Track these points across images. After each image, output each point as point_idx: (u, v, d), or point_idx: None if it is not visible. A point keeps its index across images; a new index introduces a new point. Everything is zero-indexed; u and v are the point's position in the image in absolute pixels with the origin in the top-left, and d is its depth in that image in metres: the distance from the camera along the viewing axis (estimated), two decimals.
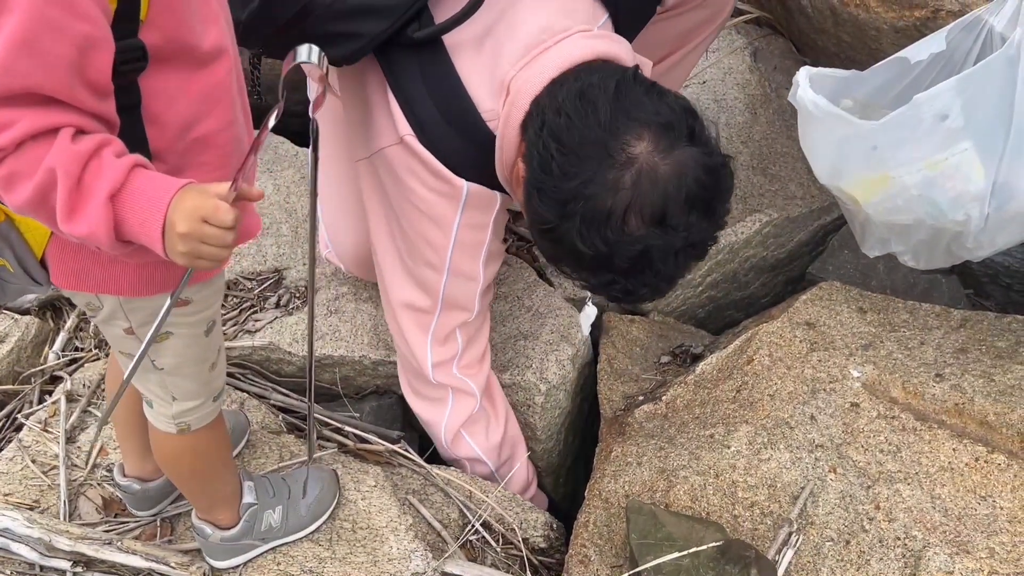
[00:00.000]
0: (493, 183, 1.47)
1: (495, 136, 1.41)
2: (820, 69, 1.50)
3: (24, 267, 1.06)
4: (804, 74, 1.47)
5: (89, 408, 1.78)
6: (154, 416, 1.30)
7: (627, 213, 1.26)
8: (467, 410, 1.67)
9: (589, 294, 1.98)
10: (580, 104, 1.28)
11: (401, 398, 1.91)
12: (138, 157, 0.91)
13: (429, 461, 1.74)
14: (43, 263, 1.07)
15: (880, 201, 1.53)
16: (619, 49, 1.40)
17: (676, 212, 1.25)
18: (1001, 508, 1.50)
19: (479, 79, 1.40)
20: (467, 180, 1.44)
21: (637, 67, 1.35)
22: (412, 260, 1.55)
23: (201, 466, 1.38)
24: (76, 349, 1.97)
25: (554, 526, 1.69)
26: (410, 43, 1.39)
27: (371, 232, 1.62)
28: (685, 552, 1.35)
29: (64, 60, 0.84)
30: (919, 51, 1.46)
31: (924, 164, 1.44)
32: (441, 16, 1.39)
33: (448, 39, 1.40)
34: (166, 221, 0.89)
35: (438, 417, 1.68)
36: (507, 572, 1.56)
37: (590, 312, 1.90)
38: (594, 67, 1.34)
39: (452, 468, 1.74)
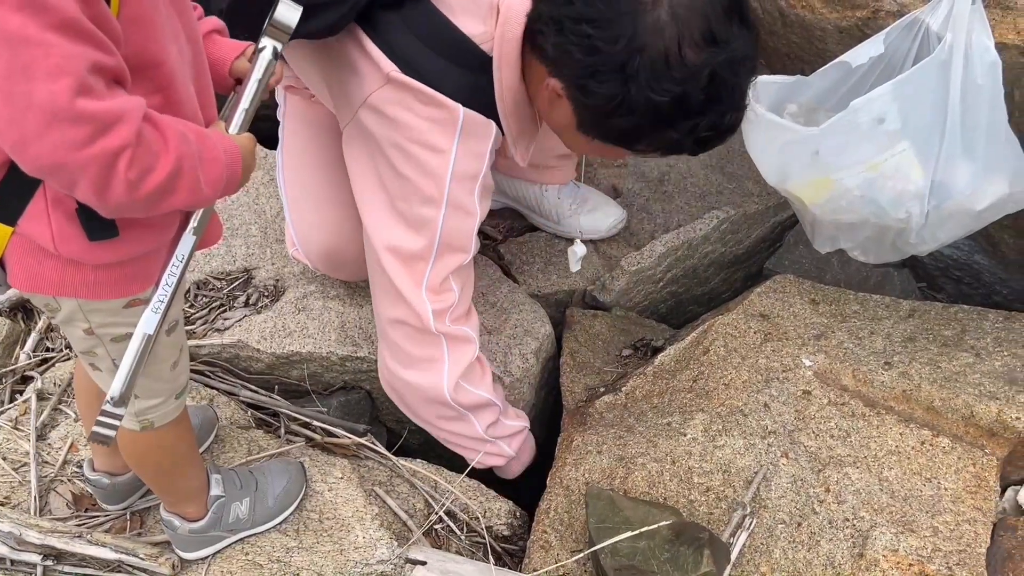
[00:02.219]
0: (488, 108, 1.48)
1: (488, 56, 1.42)
2: (764, 77, 1.56)
3: None
4: None
5: (59, 407, 1.80)
6: None
7: (681, 46, 1.28)
8: (466, 358, 1.62)
9: (580, 232, 1.98)
10: None
11: (368, 393, 1.96)
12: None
13: (396, 454, 1.78)
14: (1, 264, 1.07)
15: (825, 202, 1.59)
16: None
17: (720, 27, 1.29)
18: (945, 489, 1.56)
19: (465, 15, 1.41)
20: (462, 104, 1.45)
21: None
22: (407, 202, 1.52)
23: (167, 462, 1.41)
24: (47, 349, 1.99)
25: (517, 514, 1.73)
26: (391, 3, 1.40)
27: (358, 196, 1.58)
28: (639, 531, 1.40)
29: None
30: (859, 55, 1.52)
31: (864, 166, 1.50)
32: None
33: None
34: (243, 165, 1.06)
35: (435, 377, 1.61)
36: (471, 559, 1.60)
37: (579, 249, 1.90)
38: None
39: (418, 460, 1.77)
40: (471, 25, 1.42)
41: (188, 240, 1.11)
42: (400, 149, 1.48)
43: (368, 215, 1.58)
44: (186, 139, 0.96)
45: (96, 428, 1.12)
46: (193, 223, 1.11)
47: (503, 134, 1.52)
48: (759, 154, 1.59)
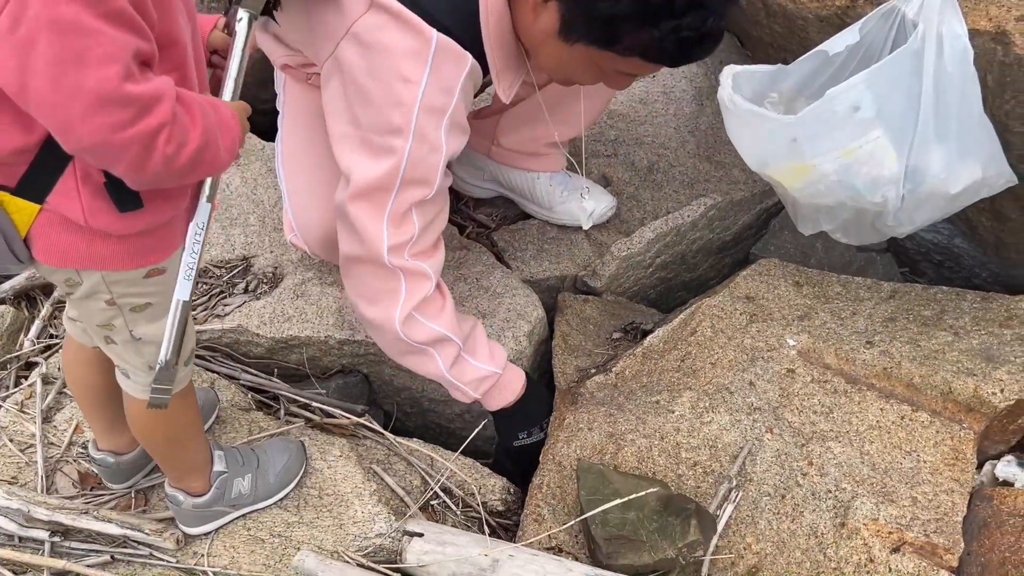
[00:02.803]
0: (464, 38, 1.49)
1: None
2: (745, 67, 1.61)
3: (10, 246, 1.11)
4: (727, 73, 1.59)
5: (64, 390, 1.85)
6: (131, 386, 1.37)
7: None
8: (421, 293, 1.61)
9: (586, 188, 2.02)
10: None
11: (366, 376, 2.00)
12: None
13: (393, 433, 1.83)
14: (26, 242, 1.12)
15: (804, 187, 1.65)
16: None
17: None
18: (924, 462, 1.61)
19: None
20: (438, 31, 1.46)
21: None
22: (376, 132, 1.53)
23: (174, 433, 1.46)
24: (50, 336, 2.03)
25: (511, 490, 1.78)
26: None
27: (333, 139, 1.60)
28: (627, 499, 1.45)
29: None
30: (836, 44, 1.58)
31: (840, 152, 1.56)
32: None
33: None
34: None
35: (390, 310, 1.61)
36: (466, 531, 1.65)
37: (588, 206, 1.93)
38: None
39: (415, 439, 1.82)
40: None
41: (205, 208, 1.17)
42: (373, 77, 1.50)
43: (340, 153, 1.60)
44: (206, 112, 1.03)
45: (153, 395, 1.21)
46: (206, 191, 1.17)
47: (486, 72, 1.53)
48: (740, 141, 1.64)
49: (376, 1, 1.46)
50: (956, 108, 1.52)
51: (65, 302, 2.07)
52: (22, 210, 1.08)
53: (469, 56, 1.50)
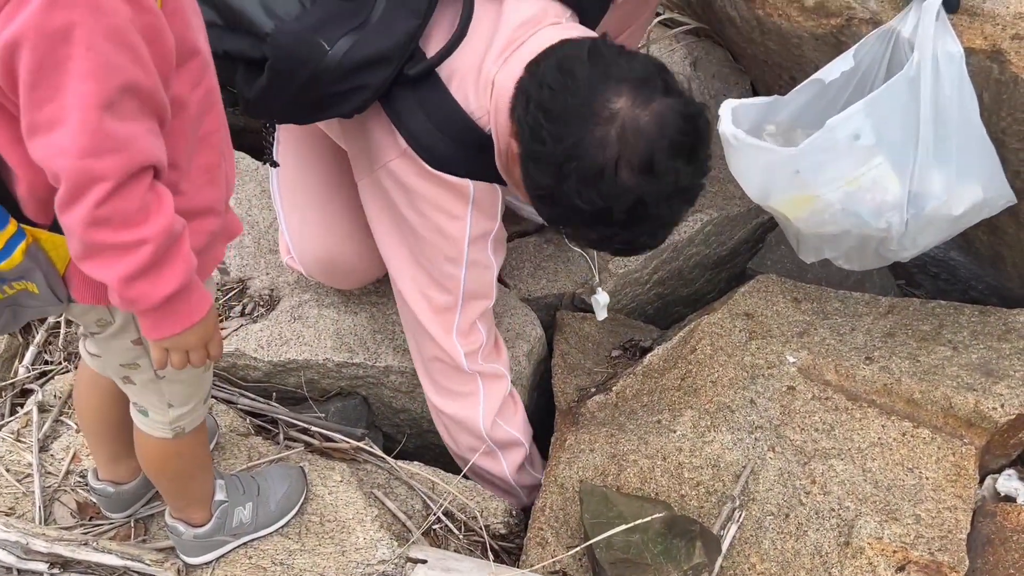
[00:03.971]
0: (492, 176, 1.56)
1: (488, 134, 1.50)
2: (742, 100, 1.62)
3: (51, 286, 1.10)
4: (726, 107, 1.59)
5: (61, 418, 1.83)
6: (149, 424, 1.35)
7: (618, 166, 1.34)
8: (500, 394, 1.72)
9: (598, 281, 2.06)
10: (560, 74, 1.38)
11: (364, 398, 1.99)
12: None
13: (393, 457, 1.82)
14: (63, 280, 1.11)
15: (808, 217, 1.65)
16: (587, 34, 1.52)
17: (662, 159, 1.34)
18: (927, 478, 1.61)
19: (469, 89, 1.49)
20: (471, 179, 1.54)
21: (605, 34, 1.45)
22: (429, 259, 1.61)
23: (186, 467, 1.44)
24: (45, 362, 2.02)
25: (513, 513, 1.77)
26: (406, 80, 1.48)
27: (379, 242, 1.69)
28: (632, 524, 1.45)
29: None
30: (832, 71, 1.59)
31: (844, 181, 1.57)
32: (433, 51, 1.49)
33: (442, 70, 1.50)
34: (190, 328, 1.08)
35: (472, 411, 1.71)
36: (469, 556, 1.64)
37: (601, 298, 1.96)
38: (567, 43, 1.44)
39: (415, 462, 1.81)
40: (474, 100, 1.49)
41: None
42: (418, 212, 1.58)
43: (392, 261, 1.68)
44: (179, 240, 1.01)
45: None
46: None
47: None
48: (742, 175, 1.65)
49: (408, 153, 1.52)
50: (956, 130, 1.53)
51: (59, 329, 2.07)
52: (59, 246, 1.07)
53: (498, 187, 1.59)
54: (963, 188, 1.57)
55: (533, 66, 1.43)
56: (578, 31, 1.52)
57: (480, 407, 1.70)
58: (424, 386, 1.78)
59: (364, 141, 1.60)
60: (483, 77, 1.48)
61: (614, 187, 1.36)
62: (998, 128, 1.62)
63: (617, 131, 1.34)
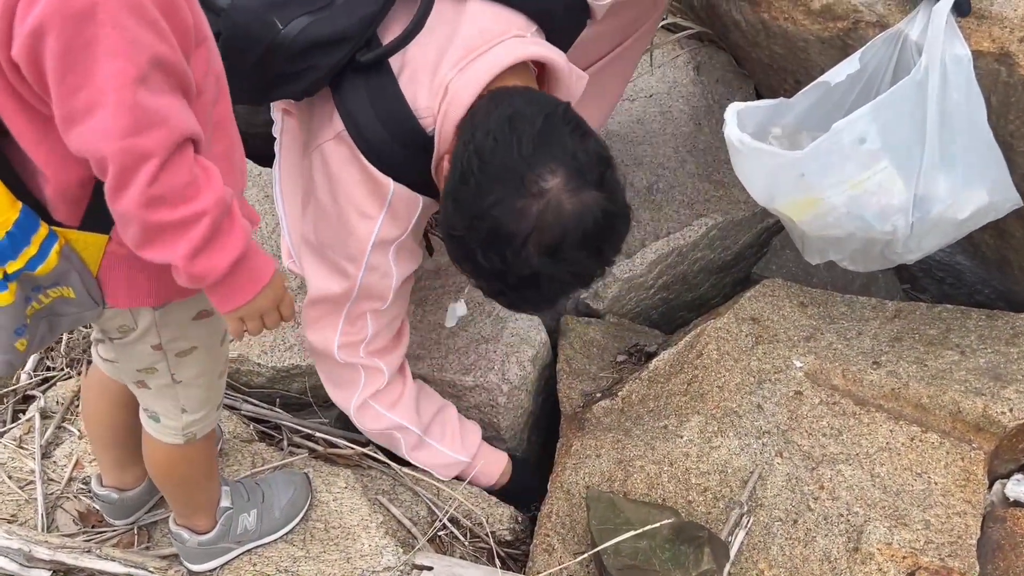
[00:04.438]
0: (419, 185, 1.55)
1: (429, 135, 1.49)
2: (748, 104, 1.61)
3: (87, 288, 1.09)
4: (731, 111, 1.59)
5: (63, 424, 1.82)
6: (160, 430, 1.35)
7: (527, 240, 1.34)
8: (374, 386, 1.70)
9: (465, 293, 2.06)
10: (508, 130, 1.36)
11: None
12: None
13: (398, 463, 1.81)
14: (97, 283, 1.10)
15: (813, 219, 1.65)
16: (553, 54, 1.50)
17: (569, 247, 1.35)
18: (935, 483, 1.60)
19: (420, 86, 1.48)
20: (395, 180, 1.52)
21: (568, 104, 1.43)
22: (332, 249, 1.60)
23: (193, 474, 1.44)
24: (48, 368, 2.01)
25: (519, 519, 1.76)
26: (358, 66, 1.47)
27: (290, 223, 1.69)
28: (641, 531, 1.43)
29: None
30: (837, 74, 1.58)
31: (848, 184, 1.56)
32: (387, 39, 1.48)
33: (395, 60, 1.48)
34: (260, 292, 1.07)
35: (348, 396, 1.71)
36: (475, 563, 1.63)
37: (459, 309, 1.96)
38: (531, 94, 1.44)
39: (420, 468, 1.80)
40: (422, 97, 1.47)
41: None
42: (333, 199, 1.56)
43: (300, 258, 1.70)
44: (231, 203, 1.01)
45: None
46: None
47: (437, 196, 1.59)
48: (748, 178, 1.64)
49: (341, 135, 1.51)
50: (962, 134, 1.53)
51: (62, 336, 2.06)
52: (90, 245, 1.06)
53: (420, 198, 1.56)
54: (969, 192, 1.57)
55: (489, 102, 1.42)
56: (545, 51, 1.50)
57: (356, 394, 1.70)
58: (319, 374, 1.78)
59: (307, 123, 1.60)
60: (438, 79, 1.46)
61: (516, 258, 1.36)
62: (1006, 131, 1.61)
63: (539, 208, 1.34)
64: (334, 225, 1.58)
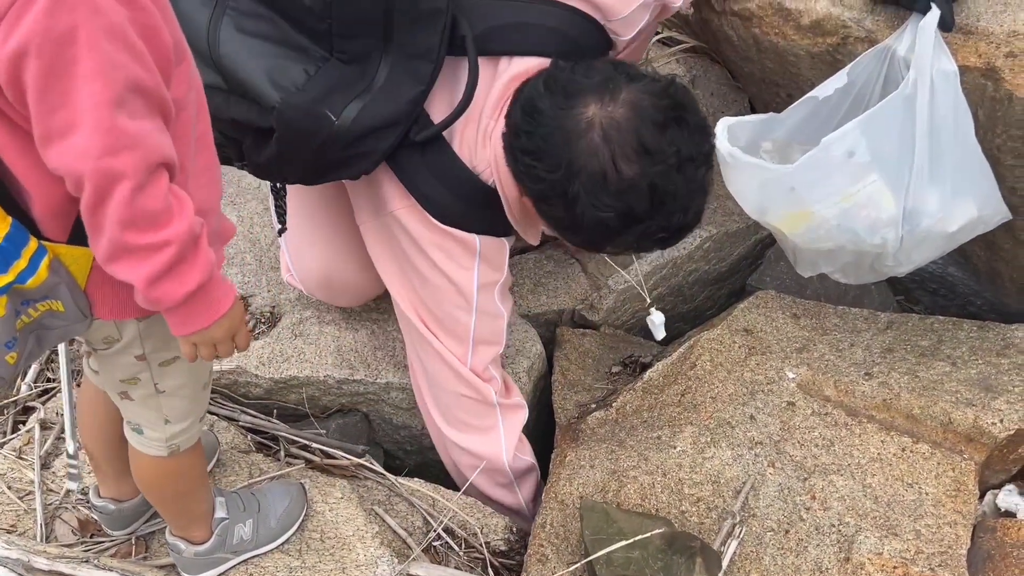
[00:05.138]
0: (499, 230, 1.62)
1: (492, 187, 1.56)
2: (738, 118, 1.64)
3: (75, 301, 1.11)
4: (722, 125, 1.61)
5: (63, 435, 1.84)
6: (143, 442, 1.36)
7: (616, 163, 1.38)
8: (519, 424, 1.76)
9: (650, 301, 2.04)
10: (528, 116, 1.43)
11: (366, 415, 2.00)
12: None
13: (393, 474, 1.82)
14: (85, 296, 1.12)
15: (804, 232, 1.67)
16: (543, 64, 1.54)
17: (653, 138, 1.37)
18: (926, 493, 1.62)
19: (473, 149, 1.55)
20: (478, 234, 1.59)
21: (555, 60, 1.49)
22: (439, 306, 1.65)
23: (183, 487, 1.45)
24: (48, 380, 2.03)
25: (514, 529, 1.78)
26: (412, 144, 1.52)
27: (392, 292, 1.71)
28: (632, 540, 1.45)
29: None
30: (826, 89, 1.61)
31: (839, 198, 1.59)
32: (437, 114, 1.52)
33: (447, 132, 1.53)
34: (216, 321, 1.09)
35: (494, 446, 1.73)
36: (470, 573, 1.64)
37: (656, 318, 1.94)
38: (526, 83, 1.49)
39: (416, 479, 1.81)
40: (477, 156, 1.54)
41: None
42: (426, 258, 1.61)
43: (408, 315, 1.70)
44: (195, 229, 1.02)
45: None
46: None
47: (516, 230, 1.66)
48: (739, 192, 1.67)
49: (413, 206, 1.57)
50: (951, 147, 1.55)
51: (57, 349, 2.07)
52: (78, 259, 1.08)
53: (504, 240, 1.64)
54: (958, 205, 1.59)
55: (508, 117, 1.48)
56: None
57: (502, 440, 1.73)
58: (433, 418, 1.78)
59: (369, 188, 1.63)
60: (481, 132, 1.53)
61: (622, 183, 1.38)
62: (993, 145, 1.64)
63: (599, 134, 1.38)
64: (435, 280, 1.62)
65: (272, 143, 1.44)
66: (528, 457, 1.79)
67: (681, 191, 1.43)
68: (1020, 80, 1.53)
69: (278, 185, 1.70)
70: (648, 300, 1.98)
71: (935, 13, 1.50)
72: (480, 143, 1.54)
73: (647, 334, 2.23)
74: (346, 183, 1.71)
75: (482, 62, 1.50)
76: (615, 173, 1.38)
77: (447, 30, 1.44)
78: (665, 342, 2.18)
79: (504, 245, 1.65)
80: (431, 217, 1.57)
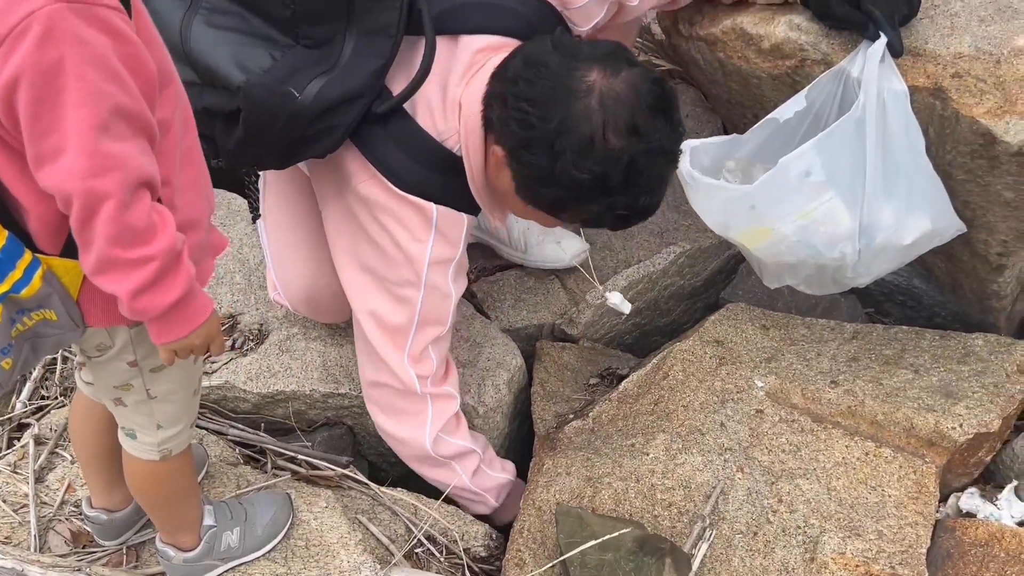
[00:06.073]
0: (459, 202, 1.64)
1: (458, 154, 1.59)
2: (702, 140, 1.73)
3: (68, 310, 1.17)
4: (686, 148, 1.69)
5: (56, 450, 1.90)
6: (137, 447, 1.42)
7: (605, 131, 1.44)
8: (448, 413, 1.77)
9: (607, 288, 2.10)
10: (530, 67, 1.48)
11: (351, 428, 2.06)
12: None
13: (378, 482, 1.88)
14: (77, 305, 1.19)
15: (766, 247, 1.75)
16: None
17: (644, 120, 1.44)
18: (889, 496, 1.68)
19: (434, 114, 1.59)
20: (436, 204, 1.62)
21: (559, 28, 1.57)
22: (387, 278, 1.67)
23: (174, 491, 1.51)
24: (42, 397, 2.08)
25: (493, 536, 1.83)
26: (375, 117, 1.57)
27: (337, 261, 1.74)
28: (601, 539, 1.51)
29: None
30: (786, 111, 1.70)
31: (797, 215, 1.67)
32: (397, 89, 1.57)
33: (408, 104, 1.58)
34: (194, 331, 1.17)
35: (418, 432, 1.75)
36: None
37: (614, 298, 1.96)
38: (526, 44, 1.55)
39: (399, 488, 1.87)
40: (440, 122, 1.58)
41: None
42: (381, 226, 1.64)
43: (349, 282, 1.73)
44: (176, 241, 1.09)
45: None
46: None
47: (479, 210, 1.68)
48: (702, 210, 1.75)
49: (375, 178, 1.61)
50: (903, 164, 1.63)
51: (56, 365, 2.14)
52: (70, 271, 1.14)
53: (464, 215, 1.66)
54: (912, 219, 1.66)
55: (499, 71, 1.53)
56: None
57: (427, 427, 1.75)
58: (369, 407, 1.82)
59: (333, 172, 1.68)
60: (448, 99, 1.57)
61: (606, 152, 1.44)
62: (944, 161, 1.71)
63: (597, 100, 1.44)
64: (390, 254, 1.65)
65: (239, 126, 1.49)
66: (461, 441, 1.79)
67: (654, 176, 1.51)
68: (966, 99, 1.61)
69: (253, 176, 1.73)
70: (599, 286, 2.05)
71: (882, 40, 1.58)
72: (449, 110, 1.57)
73: (626, 348, 2.30)
74: (312, 172, 1.76)
75: (442, 39, 1.56)
76: (602, 140, 1.44)
77: (404, 7, 1.50)
78: (643, 355, 2.25)
79: (463, 221, 1.66)
80: (390, 184, 1.60)
